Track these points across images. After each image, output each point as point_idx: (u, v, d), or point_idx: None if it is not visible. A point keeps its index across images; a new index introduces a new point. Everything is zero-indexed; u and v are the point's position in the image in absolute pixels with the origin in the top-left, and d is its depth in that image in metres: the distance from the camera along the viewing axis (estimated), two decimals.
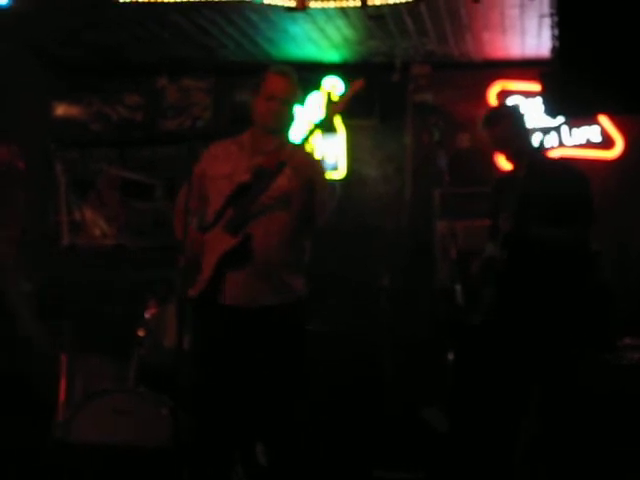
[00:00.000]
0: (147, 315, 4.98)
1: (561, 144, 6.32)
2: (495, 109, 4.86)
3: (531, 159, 4.26)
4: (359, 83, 3.79)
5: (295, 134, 4.12)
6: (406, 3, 5.27)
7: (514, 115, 4.48)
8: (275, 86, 3.88)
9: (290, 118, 3.96)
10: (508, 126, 4.39)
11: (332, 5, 5.34)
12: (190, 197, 3.74)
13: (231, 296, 3.78)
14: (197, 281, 3.84)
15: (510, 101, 6.31)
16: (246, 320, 3.80)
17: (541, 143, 4.41)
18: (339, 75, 6.60)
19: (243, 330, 3.81)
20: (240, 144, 3.99)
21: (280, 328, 3.83)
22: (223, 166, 3.94)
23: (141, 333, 4.89)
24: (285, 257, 3.83)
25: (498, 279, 4.33)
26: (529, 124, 4.56)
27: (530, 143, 4.47)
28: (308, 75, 6.50)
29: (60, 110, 7.04)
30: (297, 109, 4.00)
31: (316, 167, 3.89)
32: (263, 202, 3.76)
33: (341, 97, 3.81)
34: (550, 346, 4.19)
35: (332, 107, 3.80)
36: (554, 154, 5.95)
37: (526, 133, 4.47)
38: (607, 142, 6.29)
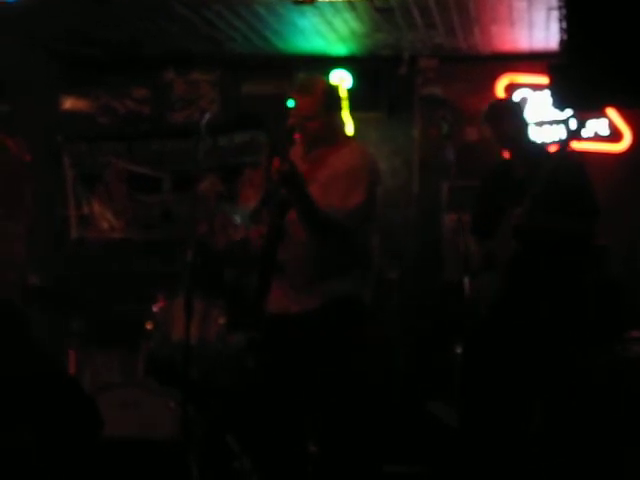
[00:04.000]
0: (155, 308, 4.98)
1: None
2: (494, 105, 4.79)
3: (535, 154, 4.26)
4: None
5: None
6: None
7: (513, 110, 4.47)
8: (294, 104, 3.80)
9: (327, 126, 3.80)
10: (508, 121, 4.38)
11: None
12: None
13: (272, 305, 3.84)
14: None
15: (510, 96, 6.29)
16: (285, 328, 3.80)
17: (570, 134, 4.32)
18: (347, 68, 6.59)
19: (284, 337, 3.81)
20: (297, 150, 3.92)
21: (309, 336, 3.75)
22: None
23: (149, 326, 4.90)
24: (310, 263, 3.76)
25: (504, 271, 4.32)
26: (528, 118, 4.55)
27: (528, 137, 4.47)
28: (315, 68, 6.51)
29: (67, 103, 7.04)
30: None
31: (349, 167, 3.75)
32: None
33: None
34: (557, 340, 4.19)
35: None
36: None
37: (526, 128, 4.46)
38: (615, 135, 6.26)
